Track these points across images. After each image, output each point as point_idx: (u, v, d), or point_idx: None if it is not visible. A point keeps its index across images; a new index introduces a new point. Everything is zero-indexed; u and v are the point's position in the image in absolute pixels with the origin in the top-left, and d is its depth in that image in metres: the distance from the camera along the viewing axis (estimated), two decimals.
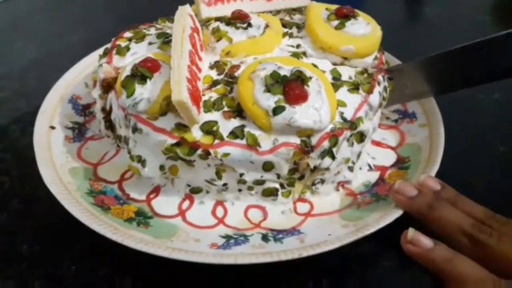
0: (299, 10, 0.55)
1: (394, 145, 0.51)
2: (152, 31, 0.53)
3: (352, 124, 0.43)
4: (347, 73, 0.47)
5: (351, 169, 0.46)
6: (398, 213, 0.40)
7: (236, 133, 0.40)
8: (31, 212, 0.46)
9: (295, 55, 0.47)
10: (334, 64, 0.48)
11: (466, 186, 0.43)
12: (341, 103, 0.43)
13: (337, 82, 0.45)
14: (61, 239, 0.43)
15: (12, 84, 0.65)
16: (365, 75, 0.47)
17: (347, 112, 0.43)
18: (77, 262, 0.41)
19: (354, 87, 0.45)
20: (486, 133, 0.55)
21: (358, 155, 0.46)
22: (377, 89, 0.46)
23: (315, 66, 0.45)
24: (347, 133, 0.42)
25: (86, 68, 0.59)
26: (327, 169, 0.42)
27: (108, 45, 0.51)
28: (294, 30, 0.51)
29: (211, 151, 0.40)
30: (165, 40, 0.49)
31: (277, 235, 0.41)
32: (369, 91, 0.45)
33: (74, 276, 0.40)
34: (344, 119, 0.42)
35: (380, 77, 0.48)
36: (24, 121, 0.57)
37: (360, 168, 0.48)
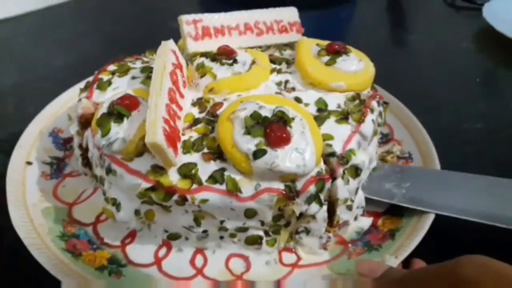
0: (290, 45, 0.53)
1: None
2: (138, 64, 0.51)
3: (342, 158, 0.39)
4: (335, 101, 0.44)
5: (349, 208, 0.42)
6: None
7: (215, 177, 0.38)
8: None
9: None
10: None
11: None
12: (327, 137, 0.40)
13: (322, 113, 0.42)
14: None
15: None
16: (357, 101, 0.44)
17: (336, 145, 0.40)
18: None
19: (343, 117, 0.42)
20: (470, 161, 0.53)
21: (356, 191, 0.43)
22: (370, 116, 0.43)
23: (298, 99, 0.43)
24: (339, 170, 0.39)
25: (70, 99, 0.57)
26: (314, 217, 0.39)
27: (90, 78, 0.49)
28: (283, 66, 0.49)
29: (188, 196, 0.37)
30: (149, 74, 0.47)
31: None
32: (360, 120, 0.42)
33: None
34: (332, 154, 0.39)
35: (374, 103, 0.45)
36: None
37: (357, 207, 0.44)
